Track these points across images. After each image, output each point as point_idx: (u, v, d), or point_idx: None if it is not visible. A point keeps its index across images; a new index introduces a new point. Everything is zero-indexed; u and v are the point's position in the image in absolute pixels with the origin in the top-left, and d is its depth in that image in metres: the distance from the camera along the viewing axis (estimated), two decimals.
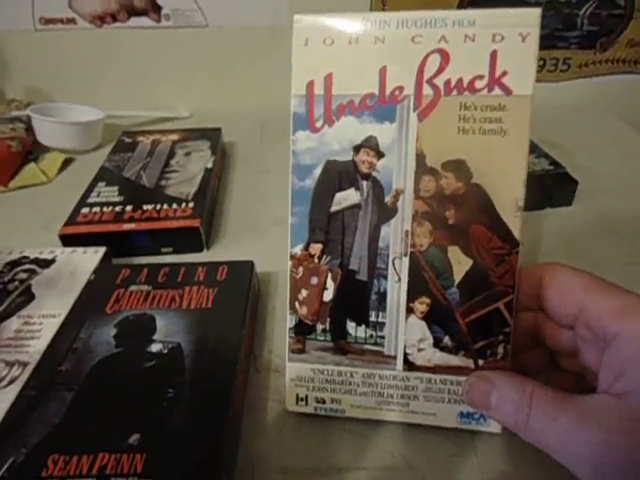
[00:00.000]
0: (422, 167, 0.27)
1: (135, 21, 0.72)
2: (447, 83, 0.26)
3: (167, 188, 0.52)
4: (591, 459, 0.21)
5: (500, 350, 0.27)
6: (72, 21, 0.72)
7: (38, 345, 0.34)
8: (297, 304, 0.29)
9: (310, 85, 0.27)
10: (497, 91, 0.26)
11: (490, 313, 0.27)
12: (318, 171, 0.28)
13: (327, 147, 0.28)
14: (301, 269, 0.28)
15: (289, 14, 0.70)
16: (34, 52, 0.74)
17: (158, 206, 0.49)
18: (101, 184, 0.53)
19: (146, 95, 0.76)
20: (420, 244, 0.27)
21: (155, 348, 0.33)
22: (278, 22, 0.71)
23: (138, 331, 0.34)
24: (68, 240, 0.46)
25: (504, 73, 0.26)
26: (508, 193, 0.26)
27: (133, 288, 0.38)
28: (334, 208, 0.28)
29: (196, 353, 0.32)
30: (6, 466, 0.26)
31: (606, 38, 0.71)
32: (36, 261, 0.42)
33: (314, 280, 0.28)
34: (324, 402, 0.30)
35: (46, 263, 0.42)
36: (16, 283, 0.39)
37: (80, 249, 0.43)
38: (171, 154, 0.59)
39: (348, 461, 0.30)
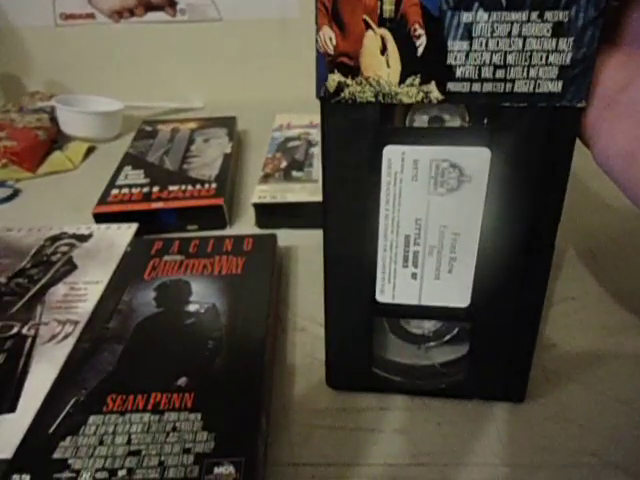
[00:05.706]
0: None
1: (152, 16, 0.75)
2: None
3: (190, 171, 0.55)
4: None
5: None
6: (91, 16, 0.75)
7: (85, 307, 0.37)
8: None
9: None
10: None
11: None
12: None
13: None
14: None
15: (299, 7, 0.74)
16: (55, 47, 0.77)
17: (183, 187, 0.52)
18: (127, 168, 0.56)
19: (162, 87, 0.80)
20: None
21: (193, 308, 0.36)
22: (289, 15, 0.74)
23: (176, 293, 0.38)
24: (100, 218, 0.49)
25: None
26: None
27: (167, 258, 0.42)
28: None
29: (230, 312, 0.36)
30: (71, 403, 0.29)
31: None
32: (75, 236, 0.45)
33: None
34: None
35: (84, 238, 0.45)
36: (58, 255, 0.43)
37: (114, 225, 0.47)
38: (191, 141, 0.62)
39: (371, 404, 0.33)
